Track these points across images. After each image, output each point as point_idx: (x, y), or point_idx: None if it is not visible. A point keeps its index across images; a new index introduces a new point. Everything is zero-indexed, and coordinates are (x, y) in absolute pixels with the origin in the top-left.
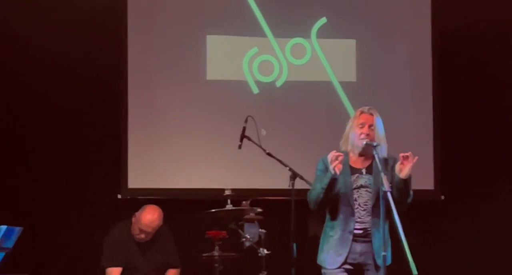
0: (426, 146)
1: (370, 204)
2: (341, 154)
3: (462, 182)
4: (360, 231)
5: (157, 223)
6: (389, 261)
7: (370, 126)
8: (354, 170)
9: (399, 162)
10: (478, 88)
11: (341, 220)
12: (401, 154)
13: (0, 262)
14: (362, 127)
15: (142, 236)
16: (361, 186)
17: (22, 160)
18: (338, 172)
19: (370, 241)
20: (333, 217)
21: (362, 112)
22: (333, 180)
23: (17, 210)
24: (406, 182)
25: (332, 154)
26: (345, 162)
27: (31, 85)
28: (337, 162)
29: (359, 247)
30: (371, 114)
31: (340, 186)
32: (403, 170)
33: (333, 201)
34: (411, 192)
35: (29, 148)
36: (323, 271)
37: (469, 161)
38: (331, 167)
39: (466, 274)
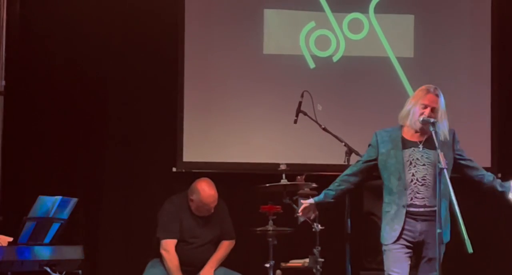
0: (483, 123)
1: (429, 179)
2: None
3: None
4: (421, 209)
5: (217, 195)
6: (447, 238)
7: (433, 108)
8: (409, 144)
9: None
10: None
11: (395, 195)
12: None
13: (55, 233)
14: (424, 108)
15: (206, 212)
16: (418, 160)
17: (78, 132)
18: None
19: (432, 220)
20: (388, 192)
21: (428, 92)
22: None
23: (72, 181)
24: None
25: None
26: (397, 137)
27: (87, 54)
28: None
29: (419, 225)
30: (437, 96)
31: (392, 161)
32: None
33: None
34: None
35: (85, 120)
36: (383, 248)
37: None
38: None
39: None
